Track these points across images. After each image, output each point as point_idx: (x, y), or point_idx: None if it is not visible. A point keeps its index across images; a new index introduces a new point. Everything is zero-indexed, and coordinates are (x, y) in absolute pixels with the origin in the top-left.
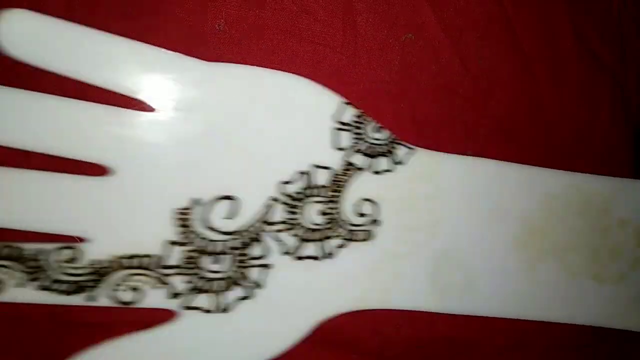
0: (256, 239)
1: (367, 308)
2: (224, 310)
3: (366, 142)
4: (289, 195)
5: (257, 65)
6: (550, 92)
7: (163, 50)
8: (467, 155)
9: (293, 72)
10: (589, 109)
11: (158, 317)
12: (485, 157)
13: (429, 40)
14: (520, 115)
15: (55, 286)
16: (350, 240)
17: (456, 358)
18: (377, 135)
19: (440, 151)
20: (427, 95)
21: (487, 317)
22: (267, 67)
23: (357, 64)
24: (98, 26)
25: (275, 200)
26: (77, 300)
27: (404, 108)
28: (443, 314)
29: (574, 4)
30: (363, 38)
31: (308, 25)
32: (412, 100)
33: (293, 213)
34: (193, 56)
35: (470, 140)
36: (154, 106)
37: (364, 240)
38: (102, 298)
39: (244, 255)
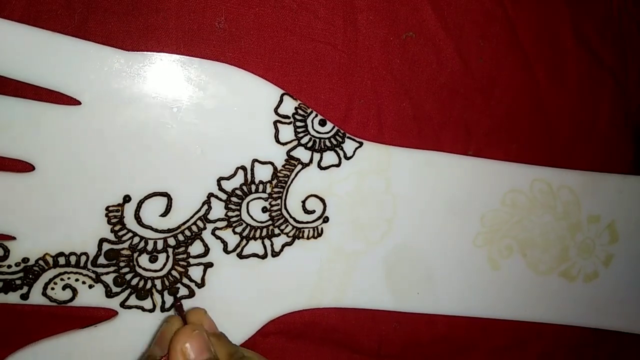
0: (195, 237)
1: (320, 306)
2: (166, 309)
3: (310, 135)
4: (229, 192)
5: (257, 64)
6: (550, 91)
7: (84, 41)
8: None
9: (293, 70)
10: (589, 109)
11: (99, 315)
12: (485, 156)
13: (429, 38)
14: (521, 114)
15: None
16: (298, 237)
17: (455, 358)
18: (321, 129)
19: (441, 151)
20: (427, 94)
21: (487, 318)
22: (267, 65)
23: (358, 62)
24: (98, 24)
25: (214, 196)
26: (10, 298)
27: (405, 106)
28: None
29: (574, 4)
30: (364, 36)
31: (309, 22)
32: (413, 98)
33: (233, 210)
34: (193, 55)
35: (471, 139)
36: (79, 100)
37: (312, 237)
38: (35, 296)
39: (183, 253)
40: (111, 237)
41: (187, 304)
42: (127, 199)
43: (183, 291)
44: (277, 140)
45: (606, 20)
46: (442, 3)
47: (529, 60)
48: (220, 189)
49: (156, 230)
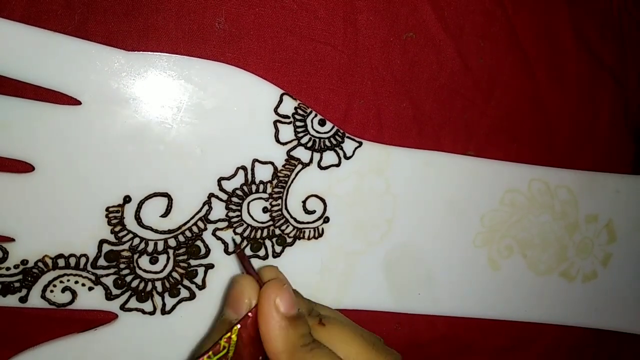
0: (196, 238)
1: None
2: (166, 312)
3: (310, 135)
4: (229, 192)
5: (257, 64)
6: (550, 91)
7: (84, 41)
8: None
9: (293, 71)
10: (589, 109)
11: (98, 318)
12: (485, 156)
13: (429, 39)
14: (521, 114)
15: None
16: (298, 238)
17: (456, 358)
18: (320, 128)
19: (440, 151)
20: (428, 94)
21: (487, 318)
22: (267, 65)
23: (358, 63)
24: (98, 24)
25: (215, 197)
26: (8, 301)
27: (405, 107)
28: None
29: (574, 4)
30: (364, 36)
31: (309, 23)
32: (413, 99)
33: (234, 210)
34: (193, 55)
35: (471, 139)
36: (79, 100)
37: (313, 238)
38: (34, 299)
39: (183, 255)
40: (111, 238)
41: (187, 305)
42: (127, 199)
43: (184, 293)
44: (277, 140)
45: (606, 20)
46: (442, 3)
47: (529, 60)
48: (221, 189)
49: (156, 231)
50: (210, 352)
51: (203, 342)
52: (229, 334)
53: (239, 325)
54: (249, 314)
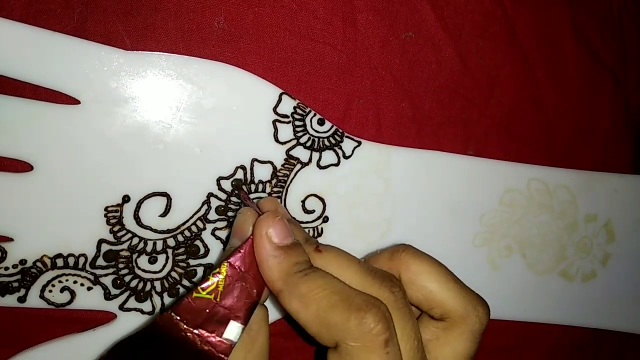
0: (195, 238)
1: None
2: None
3: (309, 134)
4: (228, 192)
5: (256, 64)
6: (549, 91)
7: (83, 40)
8: (468, 152)
9: (293, 70)
10: (589, 109)
11: (97, 317)
12: (485, 156)
13: (429, 38)
14: (521, 114)
15: None
16: None
17: None
18: (319, 128)
19: (440, 150)
20: (427, 94)
21: None
22: (266, 65)
23: (357, 62)
24: (97, 24)
25: (214, 196)
26: (7, 301)
27: (404, 106)
28: None
29: (574, 4)
30: (363, 36)
31: (308, 22)
32: (412, 98)
33: (233, 210)
34: (192, 54)
35: (470, 139)
36: (78, 99)
37: (313, 237)
38: (33, 299)
39: (183, 254)
40: (110, 238)
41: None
42: (126, 199)
43: (183, 293)
44: (277, 140)
45: (606, 20)
46: (441, 3)
47: (529, 60)
48: (220, 188)
49: (155, 231)
50: (199, 287)
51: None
52: (217, 269)
53: (229, 260)
54: (241, 248)
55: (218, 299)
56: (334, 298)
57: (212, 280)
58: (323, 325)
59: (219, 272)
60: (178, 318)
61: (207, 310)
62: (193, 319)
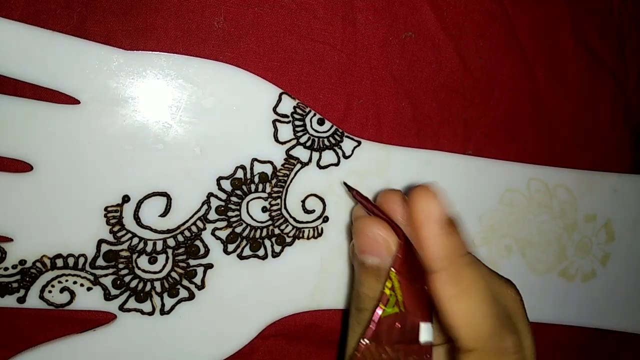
0: (195, 238)
1: (321, 308)
2: (165, 312)
3: (309, 134)
4: (228, 191)
5: (255, 64)
6: (549, 91)
7: (83, 40)
8: (468, 152)
9: (292, 70)
10: (589, 109)
11: (97, 318)
12: (485, 155)
13: (429, 38)
14: (520, 114)
15: None
16: (298, 237)
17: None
18: (319, 127)
19: (440, 149)
20: (427, 94)
21: None
22: (266, 65)
23: (357, 62)
24: (97, 24)
25: (214, 196)
26: (6, 302)
27: (404, 106)
28: None
29: (574, 4)
30: (363, 36)
31: (307, 22)
32: (412, 98)
33: (233, 210)
34: (192, 54)
35: (470, 139)
36: (78, 99)
37: (313, 237)
38: (32, 300)
39: (182, 254)
40: (110, 238)
41: (186, 305)
42: (126, 199)
43: (183, 293)
44: (276, 140)
45: (606, 20)
46: (441, 3)
47: (529, 60)
48: (220, 188)
49: (155, 231)
50: (380, 304)
51: (350, 300)
52: (389, 281)
53: (394, 268)
54: (398, 254)
55: (403, 309)
56: (488, 298)
57: (389, 293)
58: (470, 325)
59: (392, 285)
60: (374, 343)
61: (397, 324)
62: (388, 338)
